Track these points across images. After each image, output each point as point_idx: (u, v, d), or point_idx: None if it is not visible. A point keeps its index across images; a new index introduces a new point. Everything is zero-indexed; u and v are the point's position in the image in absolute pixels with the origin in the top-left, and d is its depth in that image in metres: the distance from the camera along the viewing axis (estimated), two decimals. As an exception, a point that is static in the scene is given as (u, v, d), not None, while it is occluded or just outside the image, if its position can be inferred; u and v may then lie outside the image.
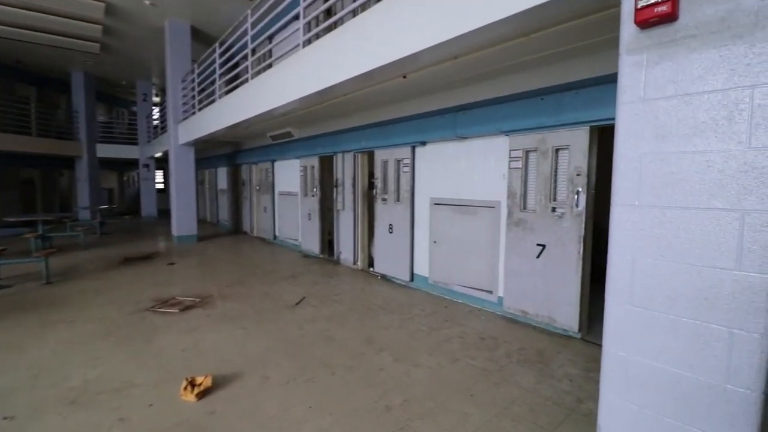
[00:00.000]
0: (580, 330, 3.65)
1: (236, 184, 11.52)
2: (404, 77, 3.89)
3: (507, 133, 4.07)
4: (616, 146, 1.64)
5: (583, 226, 3.53)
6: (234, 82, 6.91)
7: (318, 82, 4.07)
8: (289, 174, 8.47)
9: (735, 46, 1.35)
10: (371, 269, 6.28)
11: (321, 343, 3.57)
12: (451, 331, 3.86)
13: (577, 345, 3.53)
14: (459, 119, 4.50)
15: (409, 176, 5.35)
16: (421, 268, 5.32)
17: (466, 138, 4.58)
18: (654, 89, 1.53)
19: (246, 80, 5.93)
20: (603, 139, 3.54)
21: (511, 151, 4.08)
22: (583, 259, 3.55)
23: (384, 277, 5.93)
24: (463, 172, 4.69)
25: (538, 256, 3.88)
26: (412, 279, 5.46)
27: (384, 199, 5.81)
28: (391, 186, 5.66)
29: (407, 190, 5.39)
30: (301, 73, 4.38)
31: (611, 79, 3.18)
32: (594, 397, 2.57)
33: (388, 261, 5.78)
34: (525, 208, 4.01)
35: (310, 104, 5.07)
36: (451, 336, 3.72)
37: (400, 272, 5.57)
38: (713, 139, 1.40)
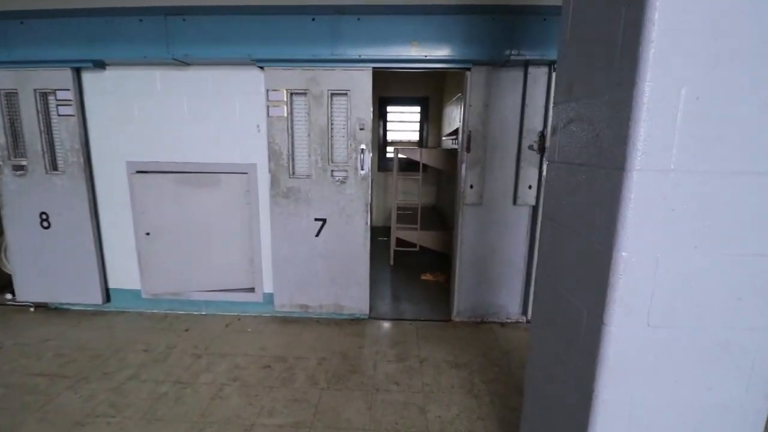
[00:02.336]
0: (370, 311, 3.19)
1: None
2: None
3: (261, 63, 2.78)
4: (639, 74, 0.95)
5: (369, 192, 2.95)
6: None
7: None
8: None
9: None
10: (9, 297, 3.40)
11: None
12: (215, 375, 2.44)
13: (372, 329, 3.06)
14: (176, 29, 2.72)
15: (74, 123, 2.98)
16: (125, 278, 3.27)
17: (190, 65, 2.89)
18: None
19: None
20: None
21: (269, 91, 2.85)
22: (371, 230, 3.01)
23: (44, 306, 3.33)
24: (189, 120, 3.01)
25: (317, 234, 3.03)
26: (107, 299, 3.30)
27: (19, 168, 3.07)
28: (34, 142, 3.03)
29: (75, 150, 3.02)
30: None
31: (409, 10, 2.58)
32: (461, 386, 2.12)
33: (49, 276, 3.23)
34: (295, 173, 2.98)
35: None
36: (221, 387, 2.33)
37: (79, 292, 3.24)
38: None
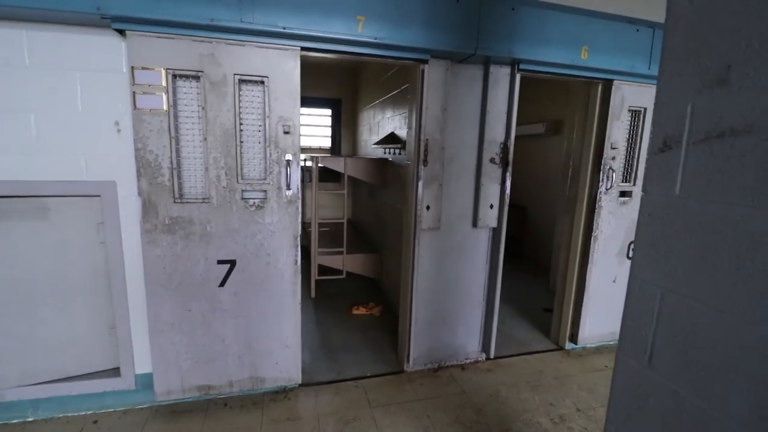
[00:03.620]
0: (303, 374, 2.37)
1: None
2: None
3: (120, 24, 1.76)
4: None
5: (299, 219, 2.15)
6: None
7: None
8: None
9: None
10: None
11: None
12: None
13: (307, 404, 2.25)
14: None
15: None
16: None
17: (-22, 14, 1.69)
18: None
19: None
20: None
21: (135, 70, 1.83)
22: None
23: None
24: (-18, 109, 1.79)
25: (222, 283, 2.10)
26: None
27: None
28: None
29: None
30: None
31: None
32: None
33: None
34: (183, 195, 2.00)
35: None
36: None
37: None
38: None
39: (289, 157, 2.06)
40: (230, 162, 2.00)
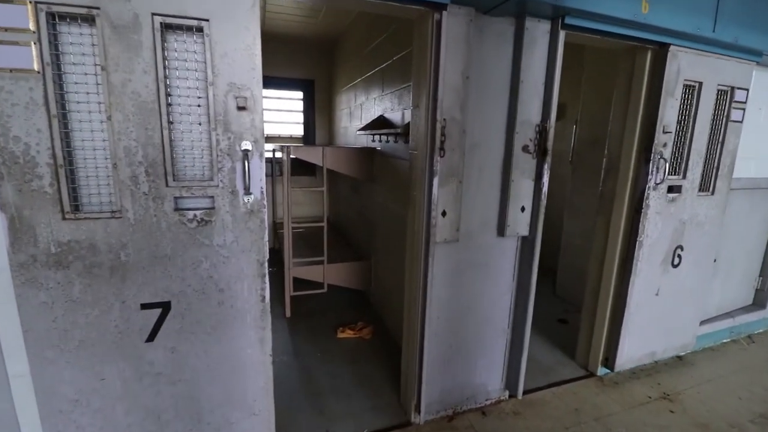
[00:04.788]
0: (277, 451, 1.72)
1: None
2: None
3: None
4: None
5: (266, 237, 1.47)
6: None
7: None
8: None
9: None
10: None
11: None
12: None
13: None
14: None
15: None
16: None
17: None
18: None
19: None
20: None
21: None
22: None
23: None
24: None
25: (151, 337, 1.40)
26: None
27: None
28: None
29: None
30: None
31: None
32: None
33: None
34: (78, 207, 1.28)
35: None
36: None
37: None
38: None
39: (247, 145, 1.37)
40: (153, 154, 1.29)
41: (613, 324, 2.41)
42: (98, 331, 1.34)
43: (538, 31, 1.76)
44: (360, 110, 3.62)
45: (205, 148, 1.35)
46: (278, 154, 4.55)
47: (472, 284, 1.96)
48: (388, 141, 2.77)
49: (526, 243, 2.00)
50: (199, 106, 1.32)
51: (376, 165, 3.15)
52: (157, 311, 1.38)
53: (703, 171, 2.40)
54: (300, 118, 5.15)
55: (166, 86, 1.27)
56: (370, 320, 3.12)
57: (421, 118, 1.74)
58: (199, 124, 1.33)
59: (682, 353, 2.79)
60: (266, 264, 1.47)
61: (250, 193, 1.40)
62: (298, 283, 3.18)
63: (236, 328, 1.48)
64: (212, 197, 1.37)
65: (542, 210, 1.92)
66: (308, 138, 5.17)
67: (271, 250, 4.99)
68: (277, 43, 4.62)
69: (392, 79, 2.71)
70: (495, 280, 2.02)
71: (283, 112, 5.09)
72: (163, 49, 1.25)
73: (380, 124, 2.91)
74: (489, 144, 1.84)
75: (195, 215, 1.36)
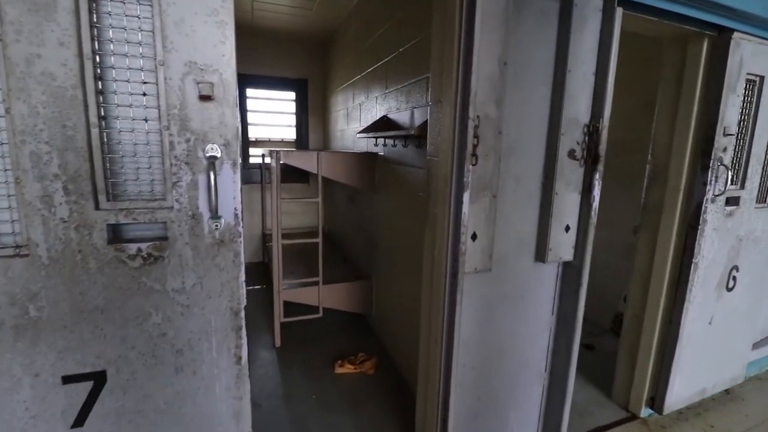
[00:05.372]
0: None
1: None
2: None
3: None
4: None
5: (242, 274, 1.07)
6: None
7: None
8: None
9: None
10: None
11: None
12: None
13: None
14: None
15: None
16: None
17: None
18: None
19: None
20: None
21: None
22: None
23: None
24: None
25: (79, 422, 0.99)
26: None
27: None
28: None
29: None
30: None
31: None
32: None
33: None
34: (-36, 239, 0.87)
35: None
36: None
37: None
38: None
39: (214, 150, 0.97)
40: (76, 163, 0.89)
41: (662, 358, 2.05)
42: (-2, 418, 0.93)
43: (588, 8, 1.41)
44: (359, 111, 3.24)
45: (153, 154, 0.95)
46: (268, 160, 4.15)
47: (505, 322, 1.59)
48: (394, 145, 2.40)
49: (570, 269, 1.63)
50: (144, 94, 0.93)
51: (379, 172, 2.77)
52: (87, 385, 0.98)
53: (761, 179, 2.06)
54: (292, 120, 4.76)
55: (96, 66, 0.88)
56: (371, 350, 2.72)
57: (445, 116, 1.37)
58: (145, 120, 0.94)
59: (731, 386, 2.44)
60: (242, 313, 1.07)
61: (219, 217, 1.00)
62: (290, 306, 2.78)
63: (201, 401, 1.08)
64: (164, 223, 0.97)
65: (591, 230, 1.55)
66: (301, 142, 4.78)
67: (259, 264, 4.57)
68: (266, 38, 4.24)
69: (399, 74, 2.35)
70: (531, 316, 1.64)
71: (274, 114, 4.69)
72: (90, 12, 0.86)
73: (384, 125, 2.54)
74: (527, 148, 1.48)
75: (140, 250, 0.96)
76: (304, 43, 4.44)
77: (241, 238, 1.03)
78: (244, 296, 1.07)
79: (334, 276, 3.04)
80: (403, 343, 2.40)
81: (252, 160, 4.51)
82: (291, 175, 4.37)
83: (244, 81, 4.29)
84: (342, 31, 3.73)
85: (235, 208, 1.02)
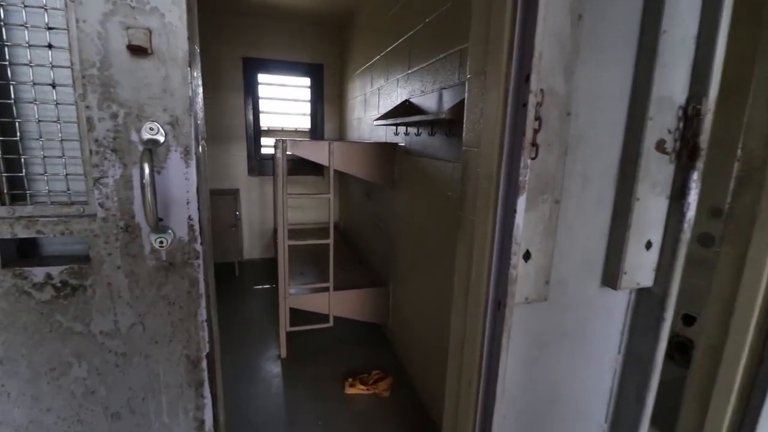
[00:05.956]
0: None
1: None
2: None
3: None
4: None
5: (204, 310, 0.75)
6: None
7: None
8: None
9: None
10: None
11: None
12: None
13: None
14: None
15: None
16: None
17: None
18: None
19: None
20: None
21: None
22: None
23: None
24: None
25: None
26: None
27: None
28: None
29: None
30: None
31: None
32: None
33: None
34: None
35: None
36: None
37: None
38: None
39: (153, 131, 0.65)
40: None
41: (746, 404, 1.64)
42: None
43: (698, -59, 1.01)
44: (377, 96, 2.89)
45: (67, 136, 0.64)
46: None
47: (560, 363, 1.23)
48: (418, 133, 2.04)
49: (648, 298, 1.25)
50: (50, 46, 0.61)
51: (399, 166, 2.43)
52: (-20, 465, 0.68)
53: None
54: (307, 109, 4.45)
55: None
56: (387, 366, 2.40)
57: (491, 92, 1.01)
58: (52, 85, 0.62)
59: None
60: (204, 363, 0.76)
61: (167, 229, 0.68)
62: (298, 312, 2.49)
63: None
64: (85, 236, 0.66)
65: (682, 249, 1.16)
66: (316, 132, 4.47)
67: (269, 260, 4.30)
68: (279, 20, 3.93)
69: (424, 50, 1.98)
70: (593, 354, 1.28)
71: (288, 102, 4.39)
72: None
73: (405, 111, 2.18)
74: (600, 137, 1.10)
75: (49, 276, 0.65)
76: (320, 25, 4.11)
77: (200, 260, 0.71)
78: (206, 340, 0.76)
79: (347, 281, 2.74)
80: (423, 359, 2.08)
81: (264, 151, 4.25)
82: (303, 167, 4.08)
83: (256, 66, 4.01)
84: (360, 8, 3.37)
85: (190, 218, 0.70)
